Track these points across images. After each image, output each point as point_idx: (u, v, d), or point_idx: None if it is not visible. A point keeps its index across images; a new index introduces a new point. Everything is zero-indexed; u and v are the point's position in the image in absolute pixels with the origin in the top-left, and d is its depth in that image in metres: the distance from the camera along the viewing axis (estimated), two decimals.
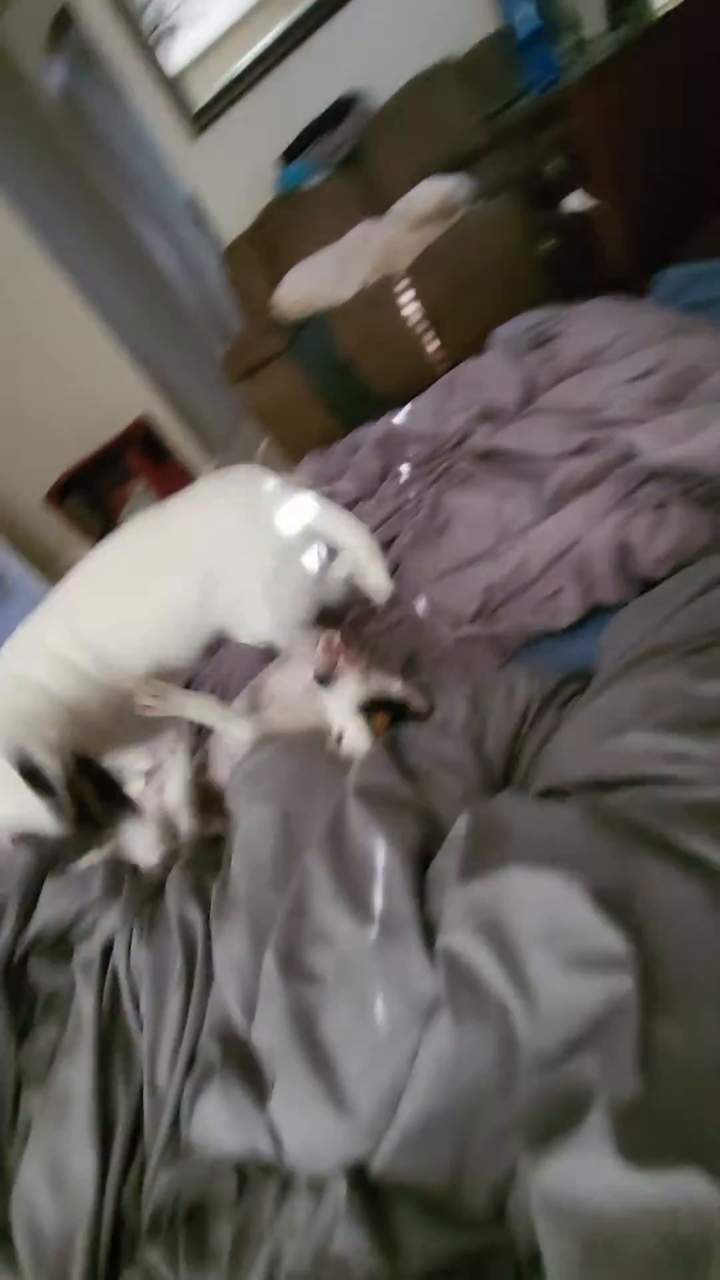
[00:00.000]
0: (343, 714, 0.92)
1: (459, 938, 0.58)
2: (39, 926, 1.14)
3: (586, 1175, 0.41)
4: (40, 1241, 0.74)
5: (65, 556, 4.24)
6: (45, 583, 3.82)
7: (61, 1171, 0.77)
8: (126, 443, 3.39)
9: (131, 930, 0.96)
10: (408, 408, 1.88)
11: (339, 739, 0.93)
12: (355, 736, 0.91)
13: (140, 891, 1.03)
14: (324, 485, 1.79)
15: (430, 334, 2.45)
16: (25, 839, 1.17)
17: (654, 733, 0.62)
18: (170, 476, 3.65)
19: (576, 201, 1.64)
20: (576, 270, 1.77)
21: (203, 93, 2.96)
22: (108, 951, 0.98)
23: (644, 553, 0.97)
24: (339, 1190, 0.55)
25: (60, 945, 1.14)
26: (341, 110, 2.86)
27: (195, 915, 0.91)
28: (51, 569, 4.24)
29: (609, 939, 0.49)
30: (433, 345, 2.48)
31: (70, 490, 3.69)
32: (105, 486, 3.98)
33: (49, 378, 3.58)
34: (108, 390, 3.60)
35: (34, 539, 4.11)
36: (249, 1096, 0.67)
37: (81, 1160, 0.77)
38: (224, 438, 4.29)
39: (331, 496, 1.75)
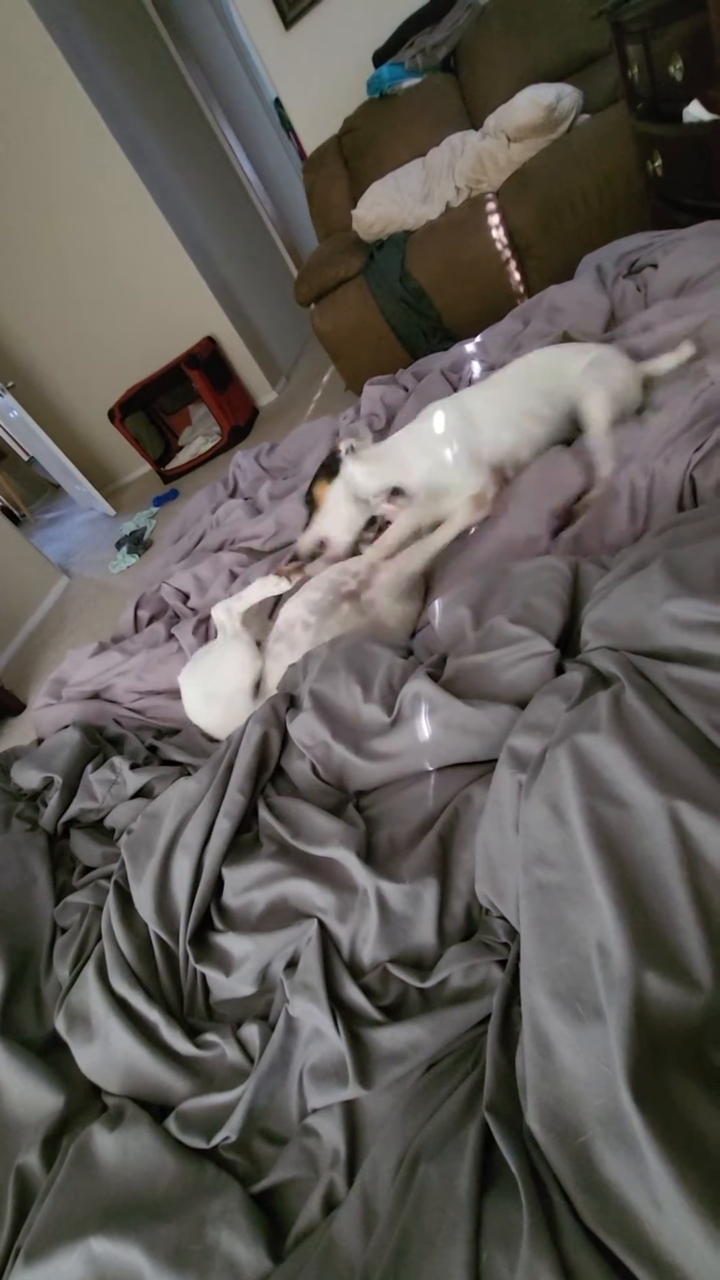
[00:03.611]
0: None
1: None
2: (77, 810, 1.22)
3: None
4: None
5: (123, 473, 4.31)
6: (102, 495, 3.90)
7: None
8: (191, 364, 3.36)
9: None
10: (479, 337, 1.80)
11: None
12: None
13: None
14: (385, 410, 1.74)
15: (515, 262, 2.31)
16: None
17: None
18: (232, 401, 3.62)
19: (698, 112, 1.48)
20: (686, 193, 1.61)
21: None
22: None
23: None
24: None
25: (99, 825, 1.23)
26: (443, 3, 2.62)
27: None
28: (110, 484, 4.33)
29: None
30: (516, 275, 2.34)
31: (132, 408, 3.71)
32: (167, 406, 3.98)
33: (124, 290, 3.54)
34: (179, 306, 3.54)
35: (95, 453, 4.18)
36: None
37: None
38: (286, 365, 4.21)
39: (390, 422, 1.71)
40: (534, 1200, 0.44)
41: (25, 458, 5.78)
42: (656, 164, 1.65)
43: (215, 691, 1.22)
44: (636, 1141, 0.39)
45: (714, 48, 1.32)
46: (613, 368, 1.15)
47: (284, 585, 1.23)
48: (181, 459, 3.82)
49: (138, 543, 3.22)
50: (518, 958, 0.58)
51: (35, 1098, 0.79)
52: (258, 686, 1.19)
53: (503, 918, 0.65)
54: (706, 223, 1.44)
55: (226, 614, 1.25)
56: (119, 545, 3.32)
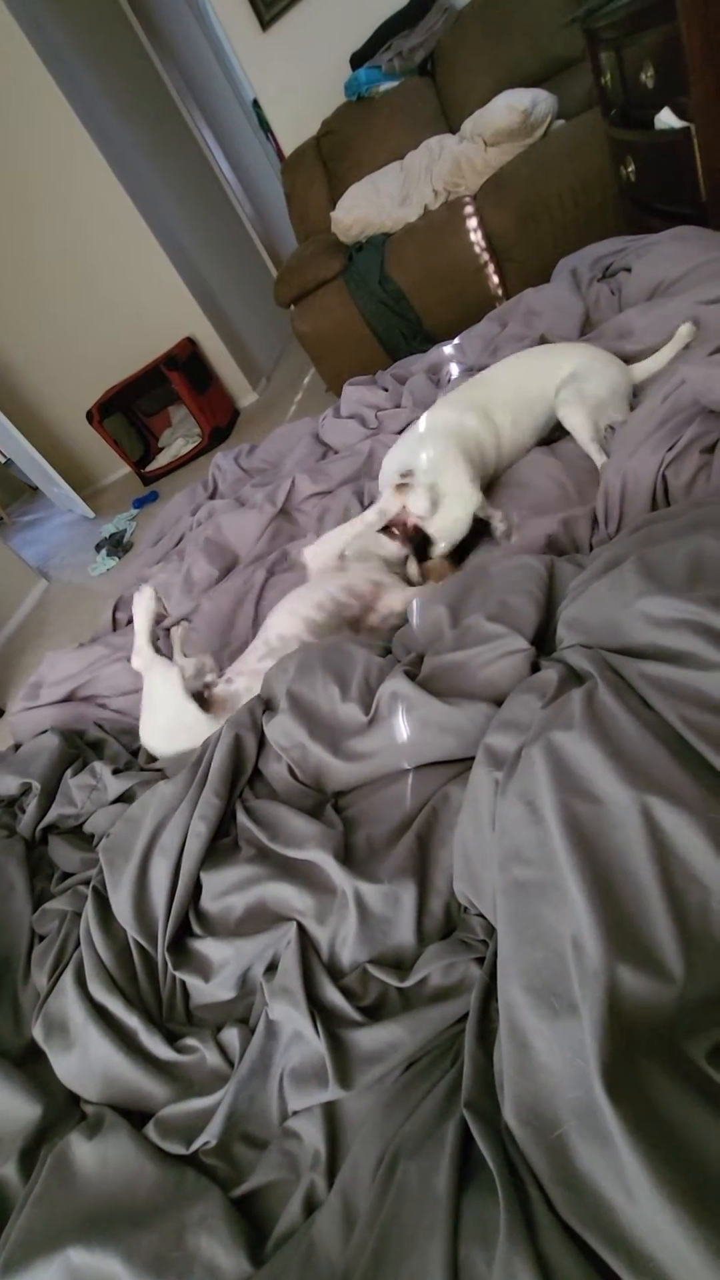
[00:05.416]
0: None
1: None
2: (56, 816, 1.21)
3: None
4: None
5: (102, 475, 4.27)
6: (82, 498, 3.86)
7: None
8: (171, 365, 3.34)
9: None
10: (457, 339, 1.81)
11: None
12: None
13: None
14: (372, 410, 1.74)
15: (493, 265, 2.33)
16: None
17: None
18: (212, 402, 3.60)
19: (668, 119, 1.50)
20: (658, 198, 1.63)
21: None
22: None
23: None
24: None
25: (78, 830, 1.21)
26: (421, 7, 2.64)
27: None
28: (89, 487, 4.28)
29: None
30: (494, 278, 2.36)
31: (111, 409, 3.67)
32: (147, 408, 3.95)
33: (102, 291, 3.51)
34: (158, 308, 3.52)
35: (74, 455, 4.13)
36: None
37: None
38: (267, 366, 4.20)
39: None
40: (511, 1195, 0.44)
41: (2, 460, 5.69)
42: (629, 169, 1.67)
43: (166, 725, 1.13)
44: (610, 1134, 0.39)
45: (684, 56, 1.34)
46: (592, 383, 1.14)
47: (148, 595, 1.21)
48: (161, 461, 3.79)
49: (117, 545, 3.19)
50: (495, 954, 0.59)
51: (12, 1108, 0.77)
52: (201, 697, 1.11)
53: (481, 915, 0.65)
54: (678, 228, 1.46)
55: (138, 656, 1.18)
56: (98, 548, 3.28)
